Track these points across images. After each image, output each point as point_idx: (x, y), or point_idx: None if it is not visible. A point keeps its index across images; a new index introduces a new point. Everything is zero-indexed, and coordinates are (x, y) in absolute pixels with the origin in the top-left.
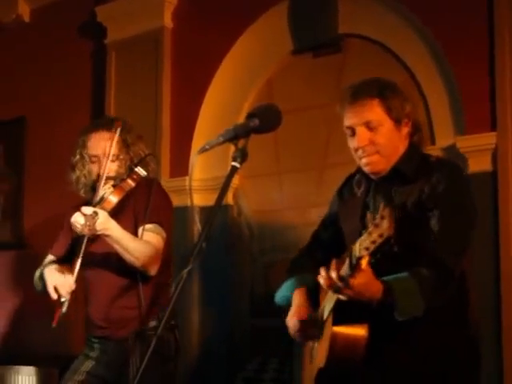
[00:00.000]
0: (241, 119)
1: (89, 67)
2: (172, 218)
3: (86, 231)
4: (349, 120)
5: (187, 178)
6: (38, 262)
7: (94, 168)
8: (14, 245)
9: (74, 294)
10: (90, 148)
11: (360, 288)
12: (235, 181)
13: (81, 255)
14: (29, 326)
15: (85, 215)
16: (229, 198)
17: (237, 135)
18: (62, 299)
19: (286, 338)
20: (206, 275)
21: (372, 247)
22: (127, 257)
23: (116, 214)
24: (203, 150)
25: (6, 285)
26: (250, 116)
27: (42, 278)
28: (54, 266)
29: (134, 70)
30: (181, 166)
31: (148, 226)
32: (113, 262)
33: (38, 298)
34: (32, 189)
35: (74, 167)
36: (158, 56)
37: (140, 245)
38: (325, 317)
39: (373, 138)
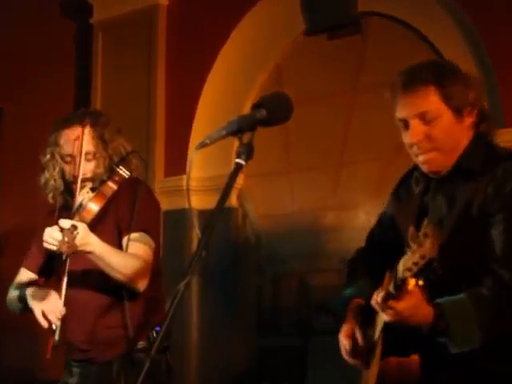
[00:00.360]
0: (246, 110)
1: (72, 50)
2: (160, 224)
3: (64, 249)
4: (401, 111)
5: (184, 177)
6: (13, 272)
7: (69, 169)
8: None
9: (64, 318)
10: (63, 146)
11: (406, 312)
12: (239, 180)
13: (65, 275)
14: (1, 347)
15: (62, 230)
16: (232, 200)
17: (241, 128)
18: (53, 326)
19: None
20: (207, 289)
21: (414, 269)
22: (112, 273)
23: (96, 222)
24: (203, 145)
25: None
26: (256, 106)
27: (21, 299)
28: (36, 289)
29: (124, 53)
30: (177, 164)
31: (134, 235)
32: (94, 278)
33: (11, 315)
34: (7, 189)
35: (44, 168)
36: (151, 37)
37: (125, 259)
38: (376, 337)
39: (429, 133)
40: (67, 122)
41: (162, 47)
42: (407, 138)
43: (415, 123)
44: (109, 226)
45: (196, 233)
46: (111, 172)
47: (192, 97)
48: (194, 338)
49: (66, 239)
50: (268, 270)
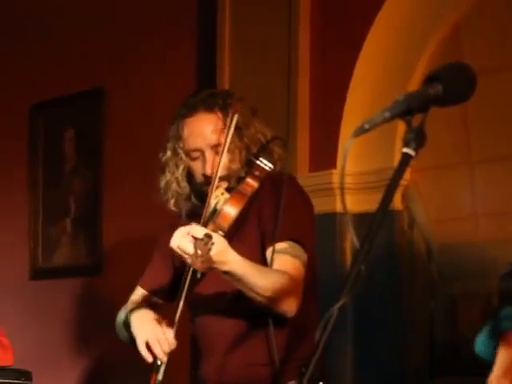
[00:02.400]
0: (413, 86)
1: (193, 14)
2: (313, 230)
3: (198, 265)
4: None
5: (335, 171)
6: (114, 291)
7: (197, 167)
8: (88, 269)
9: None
10: (187, 140)
11: None
12: (406, 176)
13: (183, 298)
14: (112, 380)
15: (195, 239)
16: (396, 201)
17: (410, 108)
18: (158, 362)
19: None
20: (364, 314)
21: None
22: (252, 295)
23: (235, 229)
24: (361, 131)
25: (80, 325)
26: (429, 80)
27: (126, 325)
28: (144, 312)
29: (257, 17)
30: (325, 156)
31: (280, 245)
32: (230, 301)
33: (117, 346)
34: (114, 189)
35: (164, 168)
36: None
37: (271, 278)
38: None
39: None
40: (190, 110)
41: (306, 8)
42: None
43: None
44: (251, 234)
45: (350, 242)
46: (249, 166)
47: (343, 71)
48: (349, 376)
49: (200, 252)
50: (442, 291)
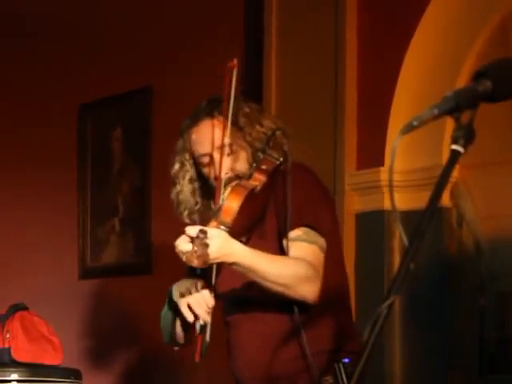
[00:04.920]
0: (461, 82)
1: (240, 15)
2: (331, 212)
3: (194, 262)
4: None
5: (383, 169)
6: (163, 292)
7: (210, 173)
8: (137, 268)
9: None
10: (196, 147)
11: None
12: (455, 173)
13: (214, 276)
14: (160, 379)
15: (191, 238)
16: (445, 198)
17: (459, 105)
18: (201, 322)
19: None
20: (413, 311)
21: None
22: (267, 286)
23: (256, 227)
24: (410, 129)
25: (129, 324)
26: (478, 76)
27: (170, 304)
28: (182, 281)
29: (304, 15)
30: (373, 153)
31: (294, 233)
32: (254, 294)
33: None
34: (162, 189)
35: (174, 181)
36: None
37: (285, 266)
38: None
39: None
40: (193, 120)
41: (353, 8)
42: None
43: None
44: (270, 231)
45: (398, 240)
46: (257, 162)
47: (390, 69)
48: (397, 376)
49: (195, 249)
50: (492, 288)
